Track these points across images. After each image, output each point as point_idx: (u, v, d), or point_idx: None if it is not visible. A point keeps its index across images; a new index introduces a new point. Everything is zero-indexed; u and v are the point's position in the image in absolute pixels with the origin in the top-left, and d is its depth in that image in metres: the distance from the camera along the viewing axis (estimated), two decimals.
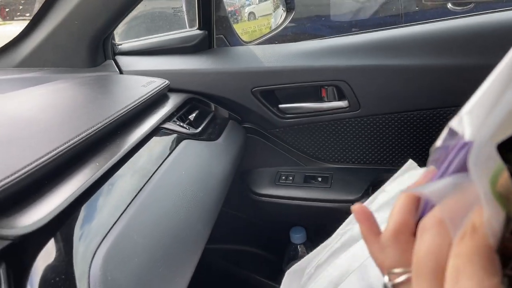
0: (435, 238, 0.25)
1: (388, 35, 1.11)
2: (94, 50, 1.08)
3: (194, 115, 1.01)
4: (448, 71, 1.01)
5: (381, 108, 1.10)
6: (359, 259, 0.57)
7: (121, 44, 1.22)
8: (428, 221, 0.26)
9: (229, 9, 1.99)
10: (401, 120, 1.10)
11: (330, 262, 0.71)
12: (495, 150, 0.22)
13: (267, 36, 1.48)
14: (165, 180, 0.73)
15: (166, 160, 0.78)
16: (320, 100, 1.14)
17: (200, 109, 1.07)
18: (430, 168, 0.27)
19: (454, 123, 0.26)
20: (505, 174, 0.22)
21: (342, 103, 1.11)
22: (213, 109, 1.14)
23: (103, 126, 0.72)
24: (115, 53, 1.17)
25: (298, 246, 1.27)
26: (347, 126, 1.14)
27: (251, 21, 2.12)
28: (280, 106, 1.16)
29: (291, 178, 1.23)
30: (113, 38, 1.17)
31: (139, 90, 0.92)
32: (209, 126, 1.04)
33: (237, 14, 2.10)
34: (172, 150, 0.83)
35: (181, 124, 0.95)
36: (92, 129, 0.69)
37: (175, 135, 0.88)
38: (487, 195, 0.22)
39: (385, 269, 0.29)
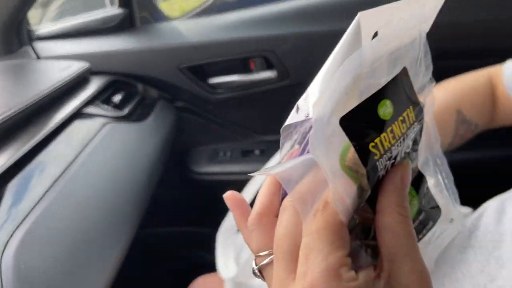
0: (292, 217, 0.25)
1: (310, 2, 1.11)
2: (7, 37, 1.02)
3: (119, 97, 0.98)
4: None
5: (310, 76, 1.11)
6: None
7: (37, 30, 1.16)
8: (286, 201, 0.26)
9: None
10: None
11: None
12: (338, 127, 0.22)
13: (197, 11, 1.45)
14: (88, 165, 0.71)
15: (88, 144, 0.76)
16: (249, 72, 1.13)
17: (126, 90, 1.03)
18: (294, 147, 0.27)
19: (301, 101, 0.26)
20: (352, 149, 0.23)
21: (271, 73, 1.11)
22: (141, 90, 1.11)
23: (14, 114, 0.68)
24: (31, 39, 1.11)
25: None
26: (278, 96, 1.15)
27: None
28: (210, 81, 1.15)
29: (229, 153, 1.23)
30: (28, 24, 1.11)
31: (57, 74, 0.88)
32: (137, 108, 1.01)
33: None
34: (95, 133, 0.80)
35: (106, 106, 0.92)
36: (5, 114, 0.65)
37: (98, 118, 0.86)
38: (336, 171, 0.22)
39: (253, 253, 0.29)
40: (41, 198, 0.59)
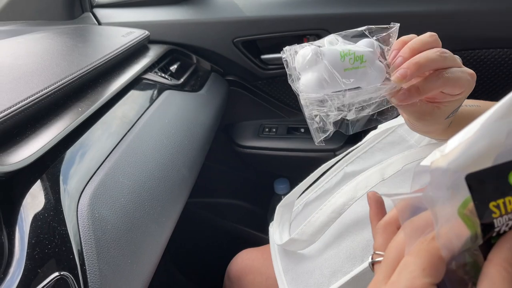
0: (405, 237, 0.30)
1: None
2: (70, 2, 1.06)
3: (175, 66, 1.01)
4: (434, 16, 1.02)
5: None
6: (364, 188, 0.59)
7: None
8: (407, 223, 0.30)
9: None
10: None
11: (320, 199, 0.74)
12: (463, 181, 0.25)
13: None
14: (148, 127, 0.74)
15: (148, 109, 0.79)
16: None
17: (182, 61, 1.06)
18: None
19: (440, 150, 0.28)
20: (471, 203, 0.25)
21: None
22: (195, 61, 1.13)
23: (83, 74, 0.71)
24: (92, 6, 1.15)
25: (282, 197, 1.30)
26: None
27: None
28: (262, 57, 1.16)
29: (274, 130, 1.25)
30: None
31: (118, 40, 0.91)
32: (191, 78, 1.03)
33: None
34: (154, 99, 0.83)
35: (163, 75, 0.94)
36: (73, 75, 0.68)
37: (157, 85, 0.88)
38: (452, 216, 0.25)
39: (374, 249, 0.35)
40: (109, 154, 0.62)
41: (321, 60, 0.44)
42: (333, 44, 0.47)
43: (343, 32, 0.49)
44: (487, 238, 0.26)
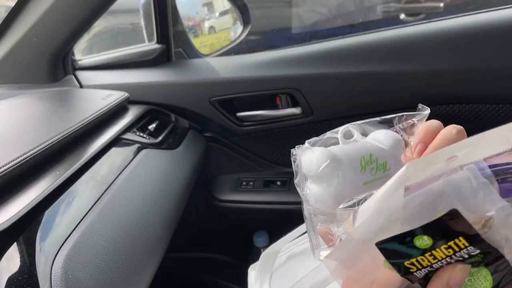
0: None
1: (335, 45, 1.18)
2: (54, 66, 1.11)
3: (154, 125, 1.05)
4: (393, 76, 1.09)
5: (333, 114, 1.17)
6: None
7: (81, 60, 1.25)
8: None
9: (190, 23, 2.04)
10: None
11: (304, 254, 0.77)
12: (375, 248, 0.28)
13: (226, 49, 1.54)
14: (125, 186, 0.77)
15: (126, 168, 0.82)
16: (276, 107, 1.20)
17: (160, 120, 1.10)
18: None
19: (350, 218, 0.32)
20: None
21: (296, 110, 1.17)
22: (174, 120, 1.18)
23: (62, 137, 0.75)
24: (75, 69, 1.20)
25: (262, 250, 1.31)
26: (301, 132, 1.21)
27: (211, 35, 2.17)
28: (238, 114, 1.21)
29: (251, 183, 1.28)
30: (73, 54, 1.20)
31: (98, 102, 0.96)
32: (169, 136, 1.08)
33: (197, 28, 2.15)
34: (132, 158, 0.86)
35: (141, 134, 0.98)
36: (52, 140, 0.72)
37: (135, 145, 0.92)
38: (379, 266, 0.29)
39: None
40: (84, 215, 0.64)
41: (337, 172, 0.38)
42: (348, 138, 0.42)
43: (362, 122, 0.43)
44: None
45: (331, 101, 1.15)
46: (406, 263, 0.27)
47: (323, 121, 1.18)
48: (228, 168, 1.31)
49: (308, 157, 0.39)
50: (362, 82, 1.11)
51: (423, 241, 0.26)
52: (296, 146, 0.41)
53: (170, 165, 0.97)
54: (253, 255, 1.32)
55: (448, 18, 1.12)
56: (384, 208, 0.27)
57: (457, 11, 1.36)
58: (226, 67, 1.19)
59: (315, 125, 1.18)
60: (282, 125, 1.20)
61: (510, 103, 1.04)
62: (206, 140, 1.24)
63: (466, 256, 0.26)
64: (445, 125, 0.36)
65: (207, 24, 2.20)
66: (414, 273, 0.28)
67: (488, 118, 1.07)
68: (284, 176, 1.28)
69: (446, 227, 0.25)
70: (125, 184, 0.77)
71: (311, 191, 0.39)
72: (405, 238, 0.27)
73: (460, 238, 0.26)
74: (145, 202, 0.78)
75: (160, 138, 1.02)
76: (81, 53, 1.39)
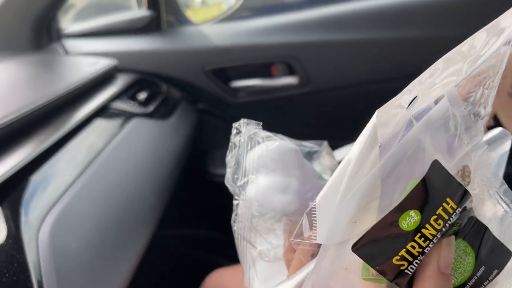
0: None
1: (335, 11, 1.14)
2: (38, 33, 1.06)
3: (145, 95, 1.01)
4: (393, 43, 1.05)
5: (331, 83, 1.13)
6: None
7: (67, 29, 1.19)
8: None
9: None
10: (350, 94, 1.13)
11: None
12: (350, 252, 0.24)
13: (219, 19, 1.49)
14: (115, 155, 0.73)
15: (116, 137, 0.78)
16: (272, 77, 1.16)
17: (151, 89, 1.06)
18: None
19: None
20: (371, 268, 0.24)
21: (293, 79, 1.13)
22: (165, 90, 1.14)
23: (47, 103, 0.71)
24: (60, 36, 1.15)
25: None
26: (298, 102, 1.17)
27: (203, 8, 2.11)
28: (232, 85, 1.17)
29: None
30: (58, 22, 1.14)
31: (85, 69, 0.91)
32: (161, 106, 1.03)
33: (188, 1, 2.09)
34: (122, 128, 0.83)
35: (131, 103, 0.94)
36: (37, 104, 0.68)
37: (125, 114, 0.88)
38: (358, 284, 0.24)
39: None
40: (73, 182, 0.61)
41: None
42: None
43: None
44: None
45: (329, 70, 1.11)
46: (395, 259, 0.23)
47: (321, 91, 1.14)
48: (222, 141, 1.27)
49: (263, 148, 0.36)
50: (360, 49, 1.07)
51: (411, 218, 0.23)
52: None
53: (162, 135, 0.93)
54: None
55: None
56: (355, 185, 0.23)
57: None
58: (220, 35, 1.15)
59: (312, 95, 1.15)
60: (278, 96, 1.16)
61: None
62: (199, 112, 1.20)
63: (448, 227, 0.24)
64: None
65: None
66: (405, 271, 0.24)
67: None
68: None
69: (432, 188, 0.23)
70: (116, 152, 0.74)
71: (263, 185, 0.36)
72: (390, 223, 0.23)
73: (448, 199, 0.24)
74: (136, 171, 0.75)
75: (151, 108, 0.97)
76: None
